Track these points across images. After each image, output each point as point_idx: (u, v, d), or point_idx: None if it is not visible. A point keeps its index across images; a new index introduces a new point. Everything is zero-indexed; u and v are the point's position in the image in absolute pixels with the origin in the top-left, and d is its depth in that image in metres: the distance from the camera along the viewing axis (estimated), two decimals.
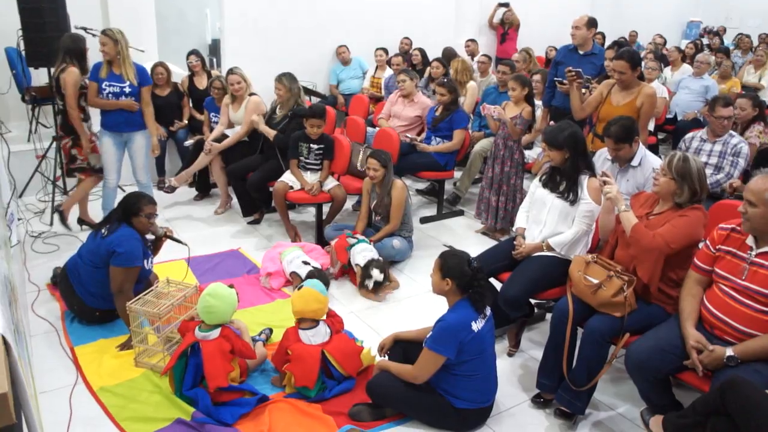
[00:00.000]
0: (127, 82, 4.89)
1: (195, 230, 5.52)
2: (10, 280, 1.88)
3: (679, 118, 7.75)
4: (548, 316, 3.76)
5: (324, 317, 3.40)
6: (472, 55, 9.24)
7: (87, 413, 3.11)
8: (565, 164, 3.60)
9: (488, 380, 3.06)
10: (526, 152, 5.73)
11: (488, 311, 2.98)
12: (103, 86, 4.86)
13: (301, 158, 5.32)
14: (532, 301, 3.83)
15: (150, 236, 3.91)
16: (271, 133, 5.52)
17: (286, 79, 5.60)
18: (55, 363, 3.51)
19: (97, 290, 3.72)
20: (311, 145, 5.27)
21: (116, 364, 3.49)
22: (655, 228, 3.02)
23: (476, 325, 2.86)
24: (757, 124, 5.25)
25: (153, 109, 5.21)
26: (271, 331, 3.79)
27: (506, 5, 10.53)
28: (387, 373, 3.07)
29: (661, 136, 8.31)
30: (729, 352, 2.62)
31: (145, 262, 3.73)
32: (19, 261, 4.49)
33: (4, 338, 1.21)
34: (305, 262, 4.47)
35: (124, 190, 5.60)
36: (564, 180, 3.62)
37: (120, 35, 4.82)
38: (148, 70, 6.50)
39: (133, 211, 3.73)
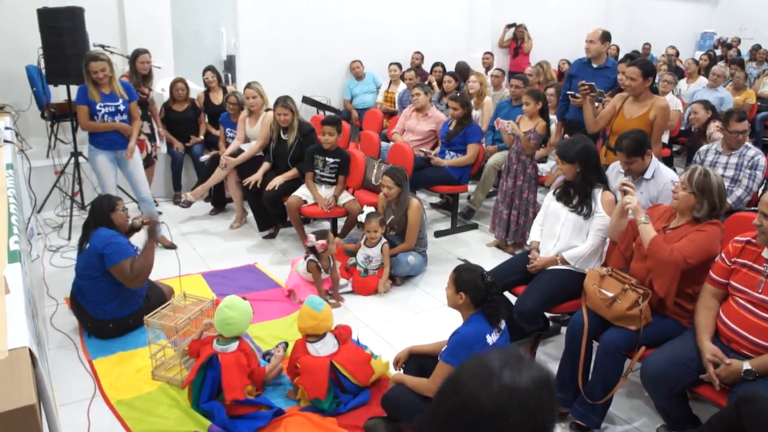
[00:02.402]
0: (121, 100, 4.97)
1: (211, 245, 5.57)
2: (31, 292, 1.92)
3: (693, 130, 7.72)
4: (563, 329, 3.76)
5: (330, 329, 3.40)
6: (488, 68, 9.28)
7: (105, 426, 3.14)
8: (577, 178, 3.62)
9: None
10: (540, 166, 5.74)
11: (503, 325, 2.96)
12: (98, 108, 4.90)
13: (316, 171, 5.35)
14: (547, 314, 3.83)
15: (125, 230, 3.97)
16: (294, 174, 5.51)
17: (291, 102, 5.52)
18: (73, 375, 3.55)
19: (103, 301, 3.79)
20: (326, 158, 5.31)
21: (133, 377, 3.52)
22: (672, 242, 3.01)
23: (491, 338, 2.84)
24: (712, 122, 5.92)
25: (140, 122, 5.30)
26: (286, 344, 3.81)
27: (514, 25, 10.58)
28: (402, 386, 3.07)
29: (675, 148, 8.28)
30: (746, 365, 2.61)
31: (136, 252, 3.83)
32: (39, 275, 4.55)
33: (30, 351, 1.24)
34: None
35: (131, 197, 5.67)
36: (577, 194, 3.63)
37: (109, 55, 4.92)
38: (168, 86, 6.63)
39: (109, 208, 3.83)
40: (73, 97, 5.73)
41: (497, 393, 1.15)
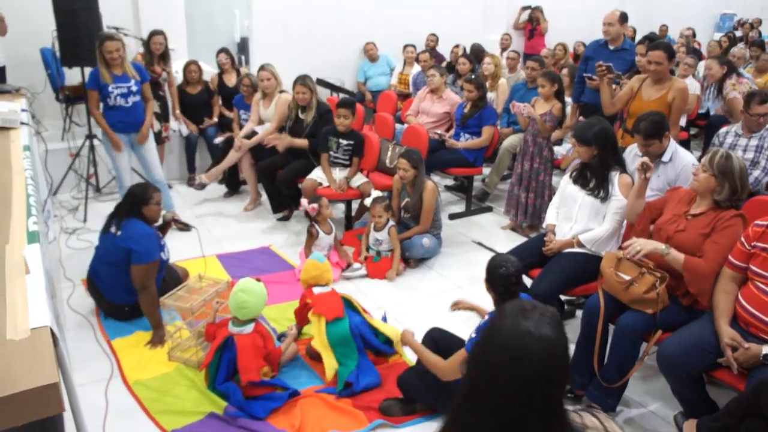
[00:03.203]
0: (133, 80, 4.99)
1: (225, 227, 5.58)
2: (49, 273, 1.92)
3: (711, 113, 7.62)
4: (579, 313, 3.74)
5: (330, 282, 3.60)
6: (505, 49, 9.20)
7: (122, 406, 3.17)
8: (594, 160, 3.58)
9: None
10: (556, 148, 5.69)
11: None
12: (110, 90, 4.92)
13: (330, 153, 5.35)
14: (563, 298, 3.82)
15: (155, 224, 3.94)
16: (304, 143, 5.51)
17: (309, 81, 5.55)
18: (91, 356, 3.58)
19: (121, 287, 3.76)
20: (340, 140, 5.29)
21: (150, 359, 3.54)
22: (696, 231, 2.99)
23: None
24: (728, 78, 5.46)
25: (153, 105, 5.36)
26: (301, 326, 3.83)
27: (529, 7, 10.47)
28: (418, 368, 3.07)
29: (693, 131, 8.19)
30: (765, 349, 2.59)
31: (162, 254, 3.79)
32: (55, 257, 4.58)
33: (51, 330, 1.25)
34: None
35: (141, 176, 5.70)
36: (594, 176, 3.60)
37: (122, 36, 4.92)
38: (181, 69, 6.62)
39: (143, 200, 3.77)
40: (87, 78, 5.76)
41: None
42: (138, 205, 3.77)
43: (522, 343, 1.26)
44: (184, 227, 4.04)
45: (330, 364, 3.33)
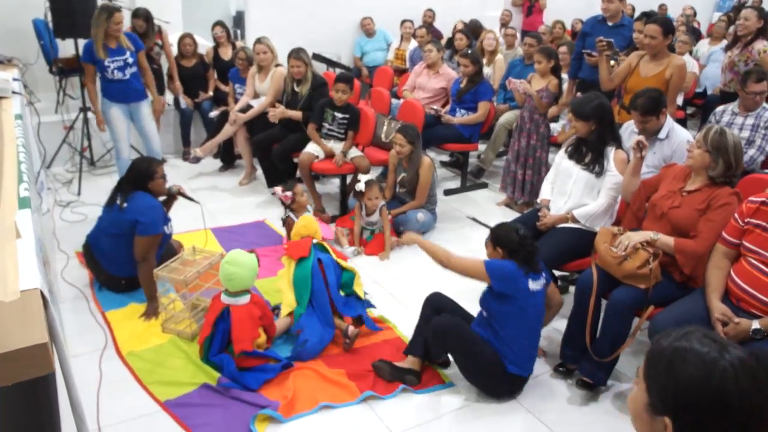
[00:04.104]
0: (128, 52, 4.96)
1: (220, 201, 5.57)
2: (42, 241, 1.91)
3: (708, 92, 7.60)
4: (572, 288, 3.76)
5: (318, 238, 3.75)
6: (504, 24, 9.12)
7: (116, 376, 3.19)
8: (591, 135, 3.58)
9: (534, 346, 3.11)
10: (552, 125, 5.68)
11: (543, 277, 3.07)
12: (107, 64, 4.89)
13: (325, 125, 5.32)
14: (557, 273, 3.83)
15: (161, 197, 3.94)
16: (297, 114, 5.48)
17: (303, 54, 5.50)
18: (85, 327, 3.59)
19: (121, 259, 3.76)
20: (336, 113, 5.27)
21: (144, 330, 3.55)
22: (691, 207, 3.00)
23: (532, 285, 2.99)
24: (761, 39, 5.39)
25: (152, 74, 5.30)
26: None
27: None
28: (451, 317, 3.14)
29: (690, 110, 8.17)
30: (755, 324, 2.60)
31: (165, 227, 3.79)
32: (49, 229, 4.57)
33: (42, 293, 1.24)
34: None
35: (139, 152, 5.68)
36: (590, 151, 3.60)
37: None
38: (176, 42, 6.56)
39: (148, 175, 3.77)
40: (81, 52, 5.70)
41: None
42: (143, 179, 3.78)
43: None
44: (191, 200, 4.02)
45: (288, 302, 3.50)
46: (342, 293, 3.67)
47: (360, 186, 4.66)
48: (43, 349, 1.09)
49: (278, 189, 4.49)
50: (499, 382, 3.07)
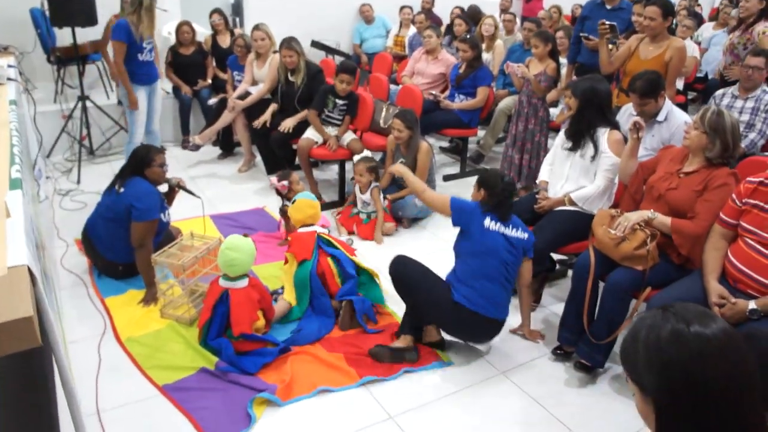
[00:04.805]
0: (153, 38, 5.02)
1: (219, 188, 5.57)
2: (36, 226, 1.91)
3: (709, 77, 7.56)
4: (570, 273, 3.76)
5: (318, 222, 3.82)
6: (504, 10, 9.07)
7: (115, 362, 3.20)
8: (577, 116, 3.58)
9: (487, 289, 3.13)
10: (551, 110, 5.65)
11: (515, 230, 3.19)
12: (144, 45, 4.97)
13: (325, 110, 5.31)
14: (555, 257, 3.83)
15: (163, 188, 3.95)
16: (304, 116, 5.43)
17: (296, 44, 5.47)
18: (83, 314, 3.60)
19: (118, 245, 3.77)
20: (337, 100, 5.26)
21: (143, 316, 3.56)
22: (689, 188, 2.98)
23: (489, 222, 3.16)
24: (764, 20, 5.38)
25: None
26: None
27: None
28: (408, 258, 3.32)
29: (690, 95, 8.12)
30: (752, 305, 2.60)
31: (162, 215, 3.79)
32: (48, 217, 4.57)
33: (29, 268, 1.24)
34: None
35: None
36: (580, 133, 3.59)
37: None
38: (174, 30, 6.54)
39: (146, 161, 3.79)
40: (79, 40, 5.69)
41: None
42: (141, 166, 3.79)
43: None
44: (191, 194, 4.01)
45: (290, 296, 3.60)
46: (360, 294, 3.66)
47: (355, 159, 4.73)
48: (28, 322, 1.09)
49: (273, 179, 4.45)
50: (448, 311, 3.14)
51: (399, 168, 3.65)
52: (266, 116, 5.51)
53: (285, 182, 4.39)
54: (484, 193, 3.25)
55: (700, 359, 1.11)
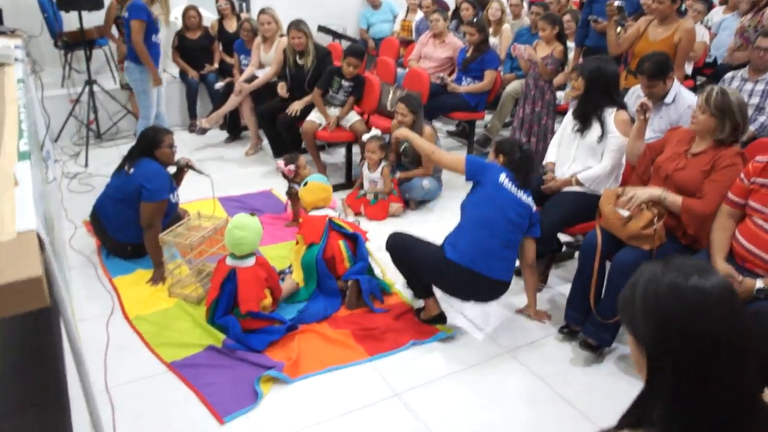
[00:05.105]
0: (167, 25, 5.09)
1: (226, 171, 5.58)
2: (46, 203, 1.94)
3: (719, 62, 7.49)
4: (577, 255, 3.75)
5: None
6: None
7: (123, 339, 3.23)
8: (583, 97, 3.57)
9: (484, 242, 3.13)
10: (558, 93, 5.63)
11: (527, 197, 3.23)
12: (159, 26, 5.00)
13: (331, 92, 5.31)
14: (563, 239, 3.82)
15: (172, 168, 3.96)
16: (310, 98, 5.43)
17: (304, 26, 5.45)
18: (92, 294, 3.63)
19: (127, 225, 3.79)
20: (343, 81, 5.27)
21: (151, 295, 3.59)
22: (697, 169, 2.97)
23: (503, 179, 3.19)
24: None
25: None
26: None
27: None
28: (402, 232, 3.41)
29: (699, 81, 8.06)
30: (759, 284, 2.59)
31: (171, 195, 3.80)
32: (56, 199, 4.60)
33: (38, 235, 1.26)
34: None
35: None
36: (587, 114, 3.58)
37: None
38: (180, 14, 6.54)
39: (155, 143, 3.80)
40: (86, 25, 5.69)
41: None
42: (150, 147, 3.81)
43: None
44: (200, 173, 4.02)
45: (297, 276, 3.65)
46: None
47: (365, 137, 4.73)
48: (37, 282, 1.10)
49: (280, 162, 4.41)
50: (441, 269, 3.16)
51: (404, 132, 3.70)
52: (296, 105, 5.44)
53: (292, 166, 4.37)
54: (503, 159, 3.31)
55: (698, 313, 1.10)
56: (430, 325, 3.37)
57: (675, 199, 2.98)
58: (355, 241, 3.68)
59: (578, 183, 3.56)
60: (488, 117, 6.30)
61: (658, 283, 1.14)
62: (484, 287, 3.19)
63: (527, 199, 3.23)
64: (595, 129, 3.55)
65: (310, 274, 3.59)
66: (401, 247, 3.32)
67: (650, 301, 1.14)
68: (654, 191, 3.02)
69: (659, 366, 1.13)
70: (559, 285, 3.82)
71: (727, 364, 1.09)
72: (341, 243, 3.64)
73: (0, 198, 1.42)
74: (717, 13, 8.56)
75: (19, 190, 1.47)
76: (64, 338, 1.43)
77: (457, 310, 3.54)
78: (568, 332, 3.30)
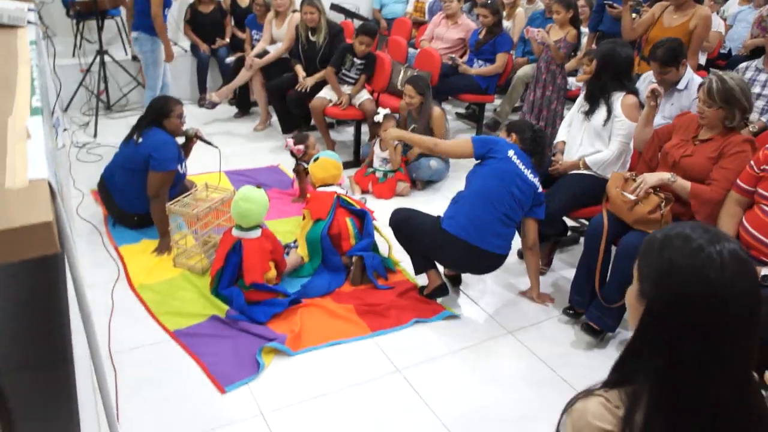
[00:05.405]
0: None
1: (235, 145, 5.57)
2: (57, 171, 1.94)
3: (733, 54, 7.43)
4: (582, 240, 3.75)
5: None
6: None
7: (127, 306, 3.25)
8: (597, 77, 3.56)
9: (479, 212, 3.15)
10: (570, 79, 5.59)
11: (533, 176, 3.23)
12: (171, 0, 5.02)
13: (343, 68, 5.30)
14: (569, 223, 3.82)
15: (180, 139, 3.96)
16: (323, 75, 5.41)
17: (317, 1, 5.43)
18: (98, 261, 3.65)
19: (134, 195, 3.80)
20: (355, 59, 5.25)
21: (156, 264, 3.61)
22: (704, 156, 2.96)
23: (512, 154, 3.22)
24: None
25: None
26: None
27: None
28: (404, 208, 3.44)
29: (712, 72, 7.99)
30: (764, 271, 2.59)
31: (180, 166, 3.81)
32: (65, 167, 4.60)
33: (50, 184, 1.27)
34: None
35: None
36: (595, 95, 3.56)
37: None
38: None
39: (164, 113, 3.80)
40: None
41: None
42: (159, 117, 3.81)
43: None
44: (209, 144, 4.02)
45: (303, 251, 3.63)
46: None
47: (378, 117, 4.71)
48: (47, 227, 1.11)
49: (290, 141, 4.39)
50: (435, 239, 3.20)
51: (396, 133, 3.70)
52: (308, 81, 5.42)
53: (301, 146, 4.35)
54: (515, 137, 3.38)
55: (704, 270, 1.10)
56: (433, 298, 3.39)
57: (684, 184, 2.97)
58: (362, 218, 3.68)
59: (586, 166, 3.55)
60: (498, 101, 6.27)
61: (678, 237, 1.15)
62: (477, 259, 3.20)
63: (533, 179, 3.22)
64: (601, 112, 3.53)
65: (314, 249, 3.60)
66: (403, 220, 3.35)
67: (665, 251, 1.15)
68: (663, 175, 3.01)
69: (655, 321, 1.15)
70: (563, 269, 3.82)
71: (729, 328, 1.10)
72: (348, 220, 3.64)
73: (12, 149, 1.43)
74: (732, 5, 8.48)
75: (31, 143, 1.48)
76: (71, 296, 1.44)
77: (461, 291, 3.55)
78: (573, 314, 3.30)
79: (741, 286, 1.10)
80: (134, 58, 6.35)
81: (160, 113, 3.81)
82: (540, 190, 3.27)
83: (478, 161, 3.32)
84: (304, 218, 3.75)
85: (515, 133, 3.39)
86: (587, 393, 1.20)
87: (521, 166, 3.20)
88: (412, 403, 2.73)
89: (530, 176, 3.21)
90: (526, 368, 3.01)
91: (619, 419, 1.14)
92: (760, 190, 2.75)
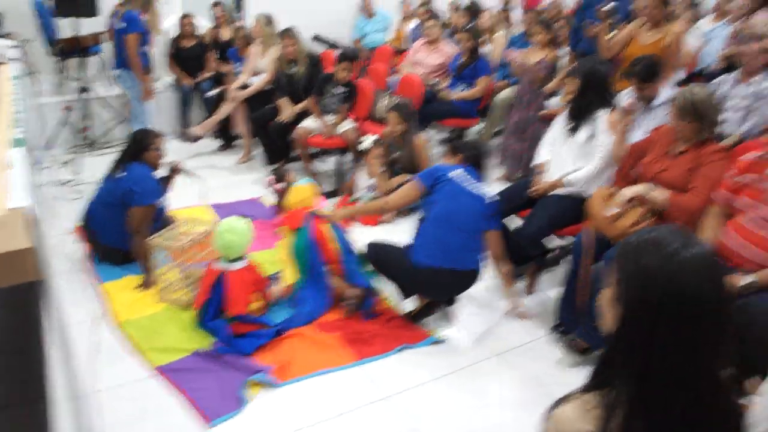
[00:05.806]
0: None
1: (218, 178, 5.55)
2: (36, 199, 1.94)
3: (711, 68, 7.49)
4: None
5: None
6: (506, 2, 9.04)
7: (111, 343, 3.20)
8: (576, 97, 3.60)
9: (445, 236, 3.19)
10: (553, 100, 5.63)
11: (481, 185, 3.32)
12: (150, 38, 5.06)
13: (325, 97, 5.33)
14: (555, 243, 3.82)
15: (161, 173, 3.95)
16: (305, 105, 5.46)
17: (293, 32, 5.52)
18: (81, 299, 3.58)
19: (117, 229, 3.75)
20: (335, 89, 5.29)
21: (140, 300, 3.56)
22: (683, 168, 3.01)
23: (456, 172, 3.30)
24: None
25: None
26: None
27: None
28: (378, 242, 3.48)
29: None
30: (744, 281, 2.59)
31: (160, 200, 3.81)
32: (44, 204, 4.56)
33: (28, 211, 1.26)
34: None
35: None
36: (580, 113, 3.60)
37: None
38: (174, 23, 6.57)
39: (143, 146, 3.79)
40: (83, 31, 5.71)
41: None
42: (139, 149, 3.79)
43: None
44: (190, 175, 4.02)
45: (290, 275, 3.58)
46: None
47: (364, 145, 4.68)
48: (28, 254, 1.10)
49: (271, 179, 4.37)
50: (410, 276, 3.23)
51: (340, 214, 3.77)
52: (287, 112, 5.47)
53: (283, 184, 4.32)
54: (460, 157, 3.43)
55: (681, 273, 1.12)
56: (419, 321, 3.38)
57: (662, 194, 3.00)
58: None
59: (566, 185, 3.56)
60: (482, 124, 6.31)
61: (652, 242, 1.17)
62: (454, 280, 3.24)
63: (482, 190, 3.29)
64: (585, 129, 3.56)
65: (302, 261, 3.55)
66: (381, 261, 3.40)
67: (640, 256, 1.16)
68: (638, 188, 3.04)
69: (630, 325, 1.16)
70: (549, 289, 3.81)
71: (701, 331, 1.11)
72: (327, 225, 3.59)
73: None
74: (705, 22, 8.59)
75: (12, 173, 1.48)
76: (52, 330, 1.41)
77: (448, 314, 3.54)
78: (562, 332, 3.28)
79: (712, 289, 1.12)
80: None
81: (139, 145, 3.80)
82: (491, 200, 3.30)
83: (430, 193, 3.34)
84: (283, 237, 3.72)
85: (458, 152, 3.47)
86: (565, 399, 1.21)
87: (469, 182, 3.27)
88: (401, 430, 2.70)
89: (479, 188, 3.29)
90: (515, 390, 2.98)
91: (598, 420, 1.15)
92: (739, 200, 2.77)
